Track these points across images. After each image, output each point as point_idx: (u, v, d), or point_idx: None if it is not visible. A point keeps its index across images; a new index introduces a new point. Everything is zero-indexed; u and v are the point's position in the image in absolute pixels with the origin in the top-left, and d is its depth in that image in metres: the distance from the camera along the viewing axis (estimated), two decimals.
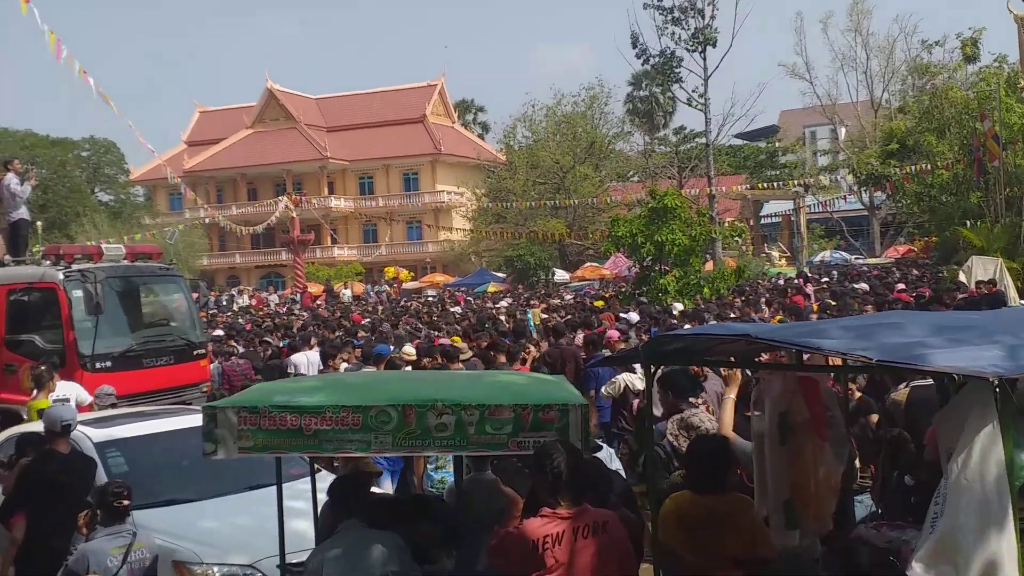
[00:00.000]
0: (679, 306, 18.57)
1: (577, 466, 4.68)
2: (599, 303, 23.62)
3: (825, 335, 4.32)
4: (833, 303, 14.86)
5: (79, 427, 7.60)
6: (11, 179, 14.83)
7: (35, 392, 10.38)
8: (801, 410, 4.98)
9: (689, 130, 61.16)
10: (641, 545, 5.27)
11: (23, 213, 15.03)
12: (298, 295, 44.42)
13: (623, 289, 26.68)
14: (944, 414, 4.02)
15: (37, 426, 8.13)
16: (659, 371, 7.43)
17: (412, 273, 57.00)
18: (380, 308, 31.97)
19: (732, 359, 5.64)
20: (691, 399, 7.18)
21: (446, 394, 4.96)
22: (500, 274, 49.52)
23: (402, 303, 35.49)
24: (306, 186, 63.39)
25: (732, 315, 15.13)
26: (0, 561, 7.13)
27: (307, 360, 13.66)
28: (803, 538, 4.97)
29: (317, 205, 59.85)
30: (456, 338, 15.08)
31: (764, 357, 6.32)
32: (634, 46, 39.81)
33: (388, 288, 49.38)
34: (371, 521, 5.05)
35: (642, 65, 43.03)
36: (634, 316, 16.36)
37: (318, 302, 41.06)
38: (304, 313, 31.50)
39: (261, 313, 35.23)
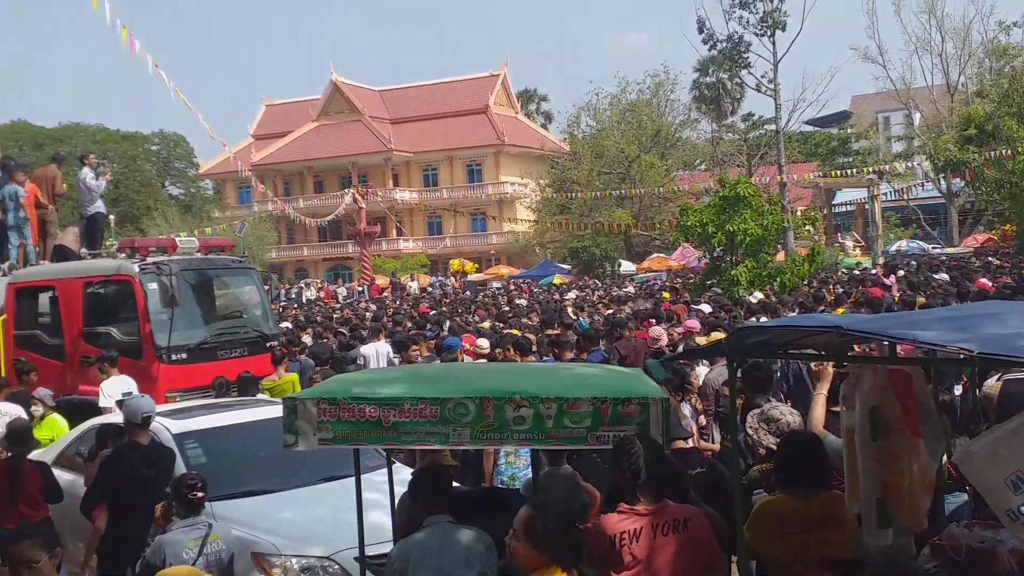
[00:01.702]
0: (759, 295, 18.23)
1: (658, 462, 4.56)
2: (666, 295, 23.37)
3: (921, 327, 4.13)
4: (924, 299, 14.14)
5: (157, 418, 7.66)
6: (87, 174, 15.15)
7: (278, 370, 11.72)
8: (893, 405, 4.79)
9: (758, 117, 60.34)
10: (726, 542, 5.13)
11: (99, 207, 15.34)
12: (365, 287, 44.83)
13: (691, 280, 26.33)
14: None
15: (116, 418, 8.27)
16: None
17: (476, 265, 57.12)
18: (445, 300, 32.12)
19: (821, 352, 5.45)
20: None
21: (524, 386, 4.86)
22: (565, 266, 49.36)
23: (463, 294, 35.59)
24: (371, 178, 63.94)
25: (821, 308, 14.69)
26: (84, 551, 7.26)
27: (375, 352, 13.68)
28: (897, 537, 4.79)
29: (382, 197, 60.28)
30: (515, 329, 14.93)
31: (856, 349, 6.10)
32: (700, 31, 39.27)
33: (453, 281, 49.55)
34: (456, 516, 4.99)
35: (709, 51, 42.43)
36: (706, 308, 16.10)
37: (385, 294, 41.39)
38: (372, 305, 31.77)
39: (329, 306, 35.68)
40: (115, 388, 10.76)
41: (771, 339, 5.10)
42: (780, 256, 27.45)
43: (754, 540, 4.76)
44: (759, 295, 18.52)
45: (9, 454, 7.86)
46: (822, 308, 14.87)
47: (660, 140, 54.05)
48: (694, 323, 12.03)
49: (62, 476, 8.04)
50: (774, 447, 5.60)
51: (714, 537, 4.60)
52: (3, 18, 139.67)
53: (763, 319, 13.37)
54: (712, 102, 56.68)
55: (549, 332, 14.03)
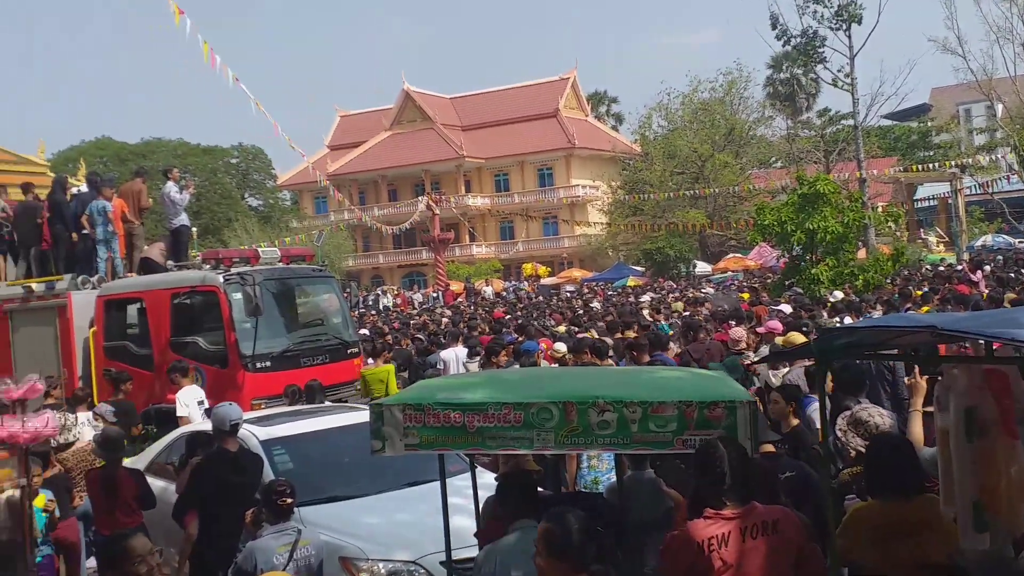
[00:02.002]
0: (839, 294, 17.86)
1: (743, 465, 4.48)
2: (744, 295, 23.03)
3: (1018, 324, 4.00)
4: (1015, 295, 13.63)
5: (244, 426, 7.79)
6: (171, 188, 15.57)
7: (369, 360, 12.76)
8: (990, 406, 4.65)
9: (834, 112, 59.27)
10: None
11: (183, 220, 15.75)
12: (440, 293, 45.18)
13: (769, 280, 25.89)
14: None
15: (204, 426, 8.46)
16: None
17: (549, 269, 57.13)
18: (519, 305, 32.19)
19: (909, 353, 5.31)
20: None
21: (606, 391, 4.82)
22: (638, 268, 49.06)
23: (537, 299, 35.59)
24: (444, 185, 64.46)
25: (907, 306, 14.34)
26: (177, 558, 7.44)
27: (455, 356, 13.78)
28: (995, 541, 4.64)
29: (455, 204, 60.71)
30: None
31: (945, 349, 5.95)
32: (773, 27, 38.52)
33: (527, 285, 49.63)
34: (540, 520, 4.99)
35: (782, 47, 41.66)
36: (786, 308, 15.82)
37: (460, 300, 41.67)
38: (448, 311, 32.00)
39: (405, 312, 36.06)
40: (190, 397, 11.05)
41: (860, 340, 4.99)
42: (861, 253, 26.85)
43: (846, 547, 4.65)
44: (839, 294, 18.15)
45: (104, 462, 8.10)
46: (908, 306, 14.51)
47: (734, 138, 53.40)
48: (776, 324, 11.79)
49: (154, 483, 8.24)
50: (863, 450, 5.48)
51: (807, 537, 4.50)
52: (86, 39, 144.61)
53: (847, 319, 13.11)
54: (787, 98, 55.95)
55: (620, 335, 13.94)
